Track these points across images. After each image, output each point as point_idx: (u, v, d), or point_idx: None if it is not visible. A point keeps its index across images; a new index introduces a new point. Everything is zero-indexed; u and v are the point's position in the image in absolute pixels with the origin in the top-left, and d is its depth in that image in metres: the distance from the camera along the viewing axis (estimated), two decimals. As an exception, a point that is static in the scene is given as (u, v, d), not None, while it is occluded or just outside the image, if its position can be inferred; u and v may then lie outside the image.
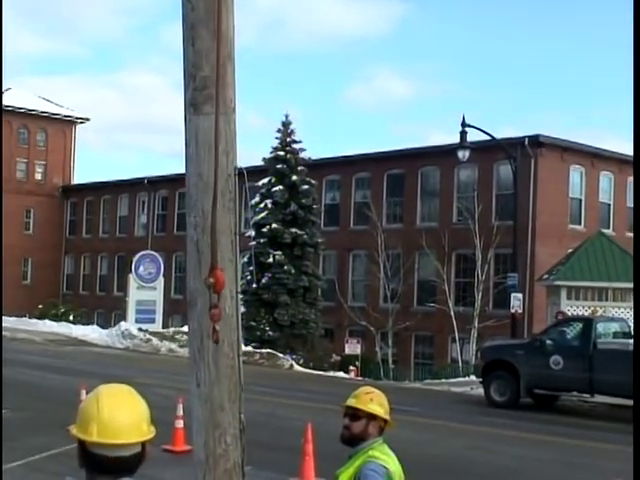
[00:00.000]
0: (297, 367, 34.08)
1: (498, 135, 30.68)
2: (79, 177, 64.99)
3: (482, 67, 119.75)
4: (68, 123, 63.36)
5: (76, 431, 2.79)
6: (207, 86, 4.88)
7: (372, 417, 5.14)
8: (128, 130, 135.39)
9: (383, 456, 5.05)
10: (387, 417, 5.18)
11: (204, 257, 4.95)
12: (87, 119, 64.79)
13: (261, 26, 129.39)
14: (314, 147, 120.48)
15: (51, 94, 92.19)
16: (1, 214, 48.85)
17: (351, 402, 5.19)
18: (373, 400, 5.17)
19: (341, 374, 31.94)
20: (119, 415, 2.78)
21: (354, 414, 5.15)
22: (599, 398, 22.36)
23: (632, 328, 23.98)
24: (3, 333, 27.91)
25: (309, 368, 33.88)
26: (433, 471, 13.54)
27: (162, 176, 52.43)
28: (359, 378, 32.70)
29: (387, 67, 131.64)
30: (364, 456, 5.04)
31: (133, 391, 2.90)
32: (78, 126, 64.54)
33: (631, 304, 27.41)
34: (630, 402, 21.22)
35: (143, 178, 54.89)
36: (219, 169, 4.90)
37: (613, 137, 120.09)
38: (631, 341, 22.16)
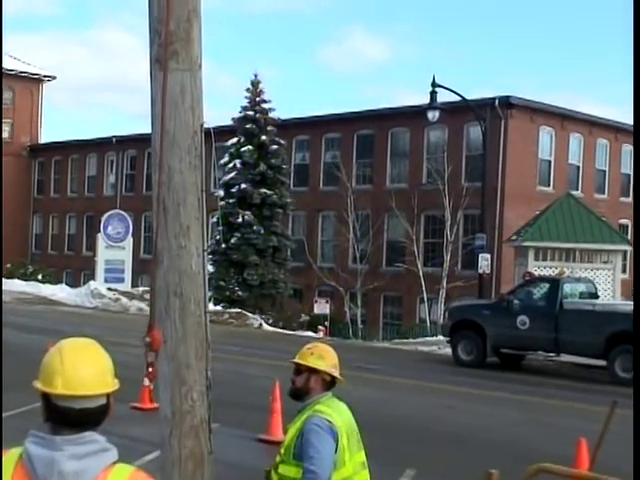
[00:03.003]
0: (266, 327, 34.20)
1: (470, 97, 30.65)
2: (47, 136, 64.30)
3: (457, 29, 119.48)
4: (35, 81, 62.49)
5: (41, 385, 2.79)
6: (172, 42, 4.83)
7: (313, 371, 5.15)
8: (98, 89, 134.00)
9: (328, 410, 5.06)
10: (329, 371, 5.16)
11: (170, 215, 4.94)
12: (54, 77, 63.94)
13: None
14: (286, 108, 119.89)
15: (20, 52, 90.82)
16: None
17: (295, 358, 5.24)
18: (314, 354, 5.18)
19: (310, 334, 32.08)
20: (83, 367, 2.78)
21: (297, 369, 5.20)
22: (565, 357, 22.68)
23: (597, 290, 24.31)
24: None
25: (278, 328, 34.01)
26: (399, 429, 13.68)
27: (130, 135, 51.94)
28: (328, 338, 32.87)
29: (360, 27, 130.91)
30: (310, 410, 5.07)
31: (96, 344, 2.91)
32: (46, 84, 63.68)
33: (598, 265, 27.73)
34: (595, 361, 21.57)
35: (111, 137, 54.37)
36: (185, 126, 4.88)
37: (584, 100, 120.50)
38: (597, 301, 22.45)
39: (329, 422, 4.99)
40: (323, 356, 5.20)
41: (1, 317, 13.28)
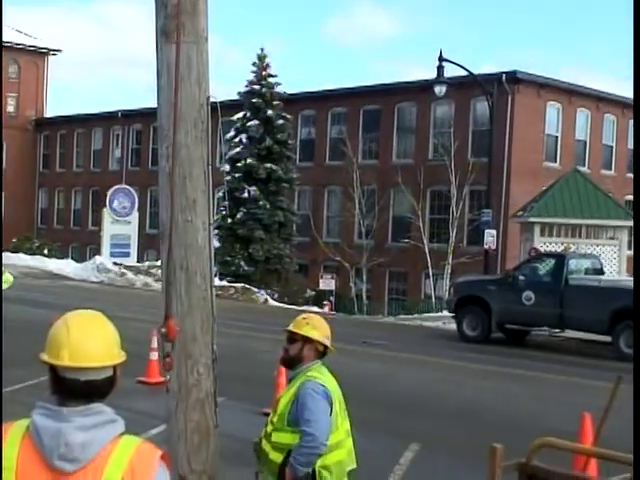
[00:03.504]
0: (271, 302, 34.26)
1: (478, 72, 30.48)
2: (53, 110, 64.27)
3: (465, 4, 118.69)
4: (41, 55, 62.32)
5: (47, 357, 2.80)
6: (178, 14, 4.80)
7: (307, 340, 5.28)
8: (104, 63, 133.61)
9: (321, 376, 5.20)
10: (322, 340, 5.31)
11: (176, 188, 4.93)
12: (59, 50, 63.75)
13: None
14: (293, 82, 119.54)
15: (25, 26, 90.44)
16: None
17: (289, 327, 5.36)
18: (308, 324, 5.32)
19: (315, 309, 32.13)
20: (90, 339, 2.79)
21: (291, 337, 5.33)
22: (569, 333, 22.68)
23: (603, 265, 24.28)
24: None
25: (283, 303, 34.06)
26: (403, 403, 13.73)
27: (136, 110, 51.81)
28: (333, 313, 32.93)
29: (368, 1, 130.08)
30: (303, 377, 5.19)
31: (102, 316, 2.91)
32: (51, 58, 63.50)
33: (604, 241, 27.69)
34: (599, 337, 21.57)
35: (117, 111, 54.27)
36: (191, 99, 4.86)
37: (592, 75, 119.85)
38: (602, 277, 22.42)
39: (323, 387, 5.13)
40: (317, 326, 5.35)
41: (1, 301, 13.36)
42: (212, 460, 5.08)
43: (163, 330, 4.86)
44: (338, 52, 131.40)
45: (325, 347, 5.36)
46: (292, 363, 5.35)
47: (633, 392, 4.55)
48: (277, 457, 5.09)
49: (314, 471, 5.02)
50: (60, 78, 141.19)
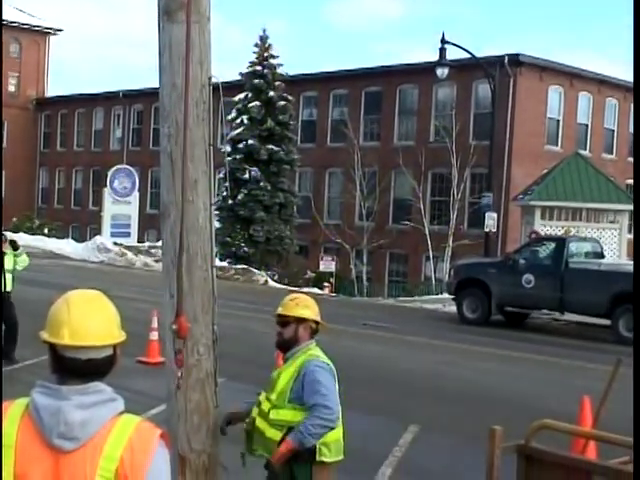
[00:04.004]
0: (272, 283, 34.29)
1: (480, 55, 30.38)
2: (54, 90, 64.05)
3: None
4: (42, 34, 62.15)
5: (47, 336, 2.80)
6: (182, -6, 4.78)
7: (301, 320, 5.32)
8: (106, 43, 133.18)
9: (323, 355, 5.28)
10: (316, 318, 5.37)
11: (177, 168, 4.92)
12: (61, 30, 63.59)
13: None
14: (295, 64, 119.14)
15: (26, 4, 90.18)
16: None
17: (279, 310, 5.39)
18: (299, 305, 5.36)
19: (316, 290, 32.18)
20: (90, 318, 2.79)
21: (283, 321, 5.35)
22: (569, 316, 22.73)
23: (603, 249, 24.28)
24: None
25: (284, 284, 34.09)
26: (403, 385, 13.77)
27: (138, 90, 51.70)
28: (333, 294, 32.97)
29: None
30: (304, 356, 5.23)
31: (103, 296, 2.91)
32: (52, 37, 63.34)
33: (604, 224, 27.67)
34: (599, 320, 21.60)
35: (118, 91, 54.14)
36: (193, 79, 4.84)
37: (594, 58, 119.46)
38: (602, 261, 22.44)
39: (329, 365, 5.21)
40: (308, 305, 5.40)
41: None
42: (212, 440, 5.10)
43: (174, 327, 4.87)
44: (340, 34, 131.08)
45: (317, 324, 5.41)
46: (288, 345, 5.37)
47: (633, 376, 4.56)
48: (275, 434, 5.11)
49: (314, 447, 5.06)
50: (62, 58, 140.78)
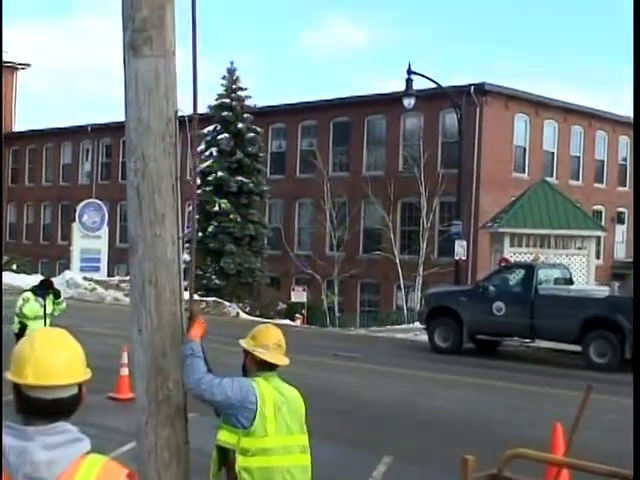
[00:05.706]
0: (243, 315, 34.16)
1: (447, 84, 30.63)
2: (22, 124, 63.73)
3: (434, 16, 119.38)
4: (10, 69, 61.89)
5: (11, 375, 2.77)
6: (146, 28, 4.79)
7: (245, 351, 5.28)
8: (74, 76, 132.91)
9: (261, 380, 5.14)
10: (250, 349, 5.20)
11: (145, 203, 4.90)
12: (28, 65, 63.42)
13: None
14: (266, 94, 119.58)
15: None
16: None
17: None
18: (249, 335, 5.30)
19: (287, 322, 32.08)
20: (54, 357, 2.77)
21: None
22: (540, 343, 22.79)
23: (572, 275, 24.43)
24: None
25: (255, 316, 33.95)
26: (376, 415, 13.72)
27: (106, 123, 51.59)
28: (305, 326, 32.89)
29: (340, 14, 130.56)
30: None
31: (67, 333, 2.89)
32: (20, 72, 63.14)
33: (572, 251, 27.86)
34: (570, 347, 21.69)
35: (86, 125, 53.99)
36: (158, 113, 4.84)
37: (559, 87, 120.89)
38: (572, 287, 22.57)
39: (252, 383, 5.09)
40: (255, 336, 5.27)
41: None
42: (182, 477, 5.04)
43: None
44: (309, 64, 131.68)
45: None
46: (244, 373, 5.32)
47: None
48: (219, 455, 5.12)
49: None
50: (30, 92, 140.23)
